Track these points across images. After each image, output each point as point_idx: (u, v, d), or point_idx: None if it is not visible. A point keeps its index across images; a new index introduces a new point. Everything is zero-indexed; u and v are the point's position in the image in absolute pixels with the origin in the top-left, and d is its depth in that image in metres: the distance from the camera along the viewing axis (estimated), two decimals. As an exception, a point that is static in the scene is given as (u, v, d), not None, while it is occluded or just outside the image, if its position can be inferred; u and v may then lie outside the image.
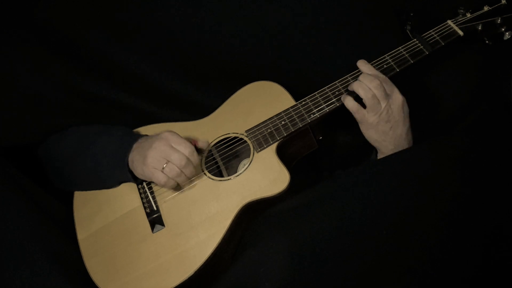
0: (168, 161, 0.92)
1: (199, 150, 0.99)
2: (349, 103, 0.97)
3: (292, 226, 0.85)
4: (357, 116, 0.97)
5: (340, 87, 1.00)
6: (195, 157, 0.94)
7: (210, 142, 1.03)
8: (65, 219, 0.99)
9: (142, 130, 1.07)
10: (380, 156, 1.02)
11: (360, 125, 0.99)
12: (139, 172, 0.95)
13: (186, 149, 0.93)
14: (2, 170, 0.93)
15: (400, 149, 0.98)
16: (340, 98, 0.99)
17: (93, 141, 1.00)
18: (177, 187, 0.98)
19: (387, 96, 0.95)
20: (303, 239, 0.83)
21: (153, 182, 1.00)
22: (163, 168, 0.92)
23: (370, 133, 0.99)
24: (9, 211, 0.88)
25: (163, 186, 0.94)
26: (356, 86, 0.96)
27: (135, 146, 0.96)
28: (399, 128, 0.97)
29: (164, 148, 0.92)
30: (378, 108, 0.95)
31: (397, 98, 0.95)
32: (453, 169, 0.89)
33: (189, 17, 1.00)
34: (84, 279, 0.91)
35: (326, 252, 0.81)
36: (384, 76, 0.97)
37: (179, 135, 0.95)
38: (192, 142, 0.99)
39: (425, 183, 0.87)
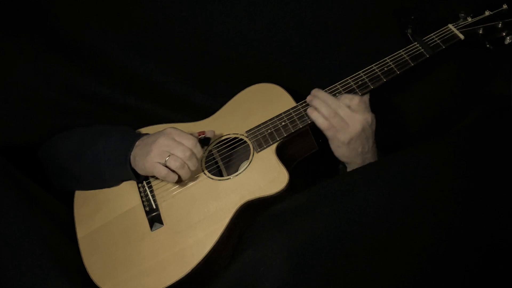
0: (171, 153, 0.92)
1: (201, 146, 0.98)
2: (319, 119, 0.95)
3: (292, 226, 0.85)
4: (329, 133, 0.95)
5: (341, 89, 1.00)
6: (198, 149, 0.94)
7: (215, 134, 1.03)
8: (66, 219, 0.99)
9: (143, 131, 1.07)
10: (349, 169, 1.01)
11: (330, 142, 0.97)
12: (140, 167, 0.94)
13: (189, 141, 0.93)
14: (2, 170, 0.93)
15: (367, 162, 0.99)
16: None
17: (94, 141, 1.00)
18: (177, 186, 0.98)
19: (360, 111, 0.93)
20: (302, 239, 0.82)
21: (153, 181, 1.00)
22: (165, 161, 0.92)
23: (342, 151, 0.97)
24: (9, 211, 0.87)
25: (164, 179, 0.94)
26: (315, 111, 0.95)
27: (137, 143, 0.96)
28: (368, 144, 0.97)
29: (167, 142, 0.93)
30: (346, 128, 0.93)
31: (370, 116, 0.95)
32: (454, 170, 0.88)
33: (189, 18, 1.00)
34: (84, 279, 0.91)
35: (325, 252, 0.81)
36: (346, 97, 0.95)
37: (181, 130, 0.95)
38: (200, 133, 0.99)
39: (425, 183, 0.87)
